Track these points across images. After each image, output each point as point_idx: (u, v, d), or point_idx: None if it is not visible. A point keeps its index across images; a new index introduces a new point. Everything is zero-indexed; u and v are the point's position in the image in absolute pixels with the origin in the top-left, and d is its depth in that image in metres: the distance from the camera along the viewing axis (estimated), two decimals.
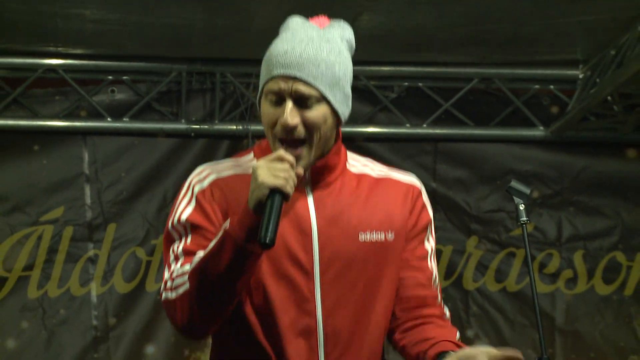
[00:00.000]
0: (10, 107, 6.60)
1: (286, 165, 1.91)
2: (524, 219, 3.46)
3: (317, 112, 2.07)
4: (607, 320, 6.63)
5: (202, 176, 2.20)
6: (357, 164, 2.37)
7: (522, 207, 3.47)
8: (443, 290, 3.03)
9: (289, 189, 1.87)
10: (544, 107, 6.81)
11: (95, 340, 6.74)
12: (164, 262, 2.29)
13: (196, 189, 2.17)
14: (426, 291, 2.34)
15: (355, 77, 3.81)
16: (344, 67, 2.18)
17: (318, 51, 2.12)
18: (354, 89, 2.41)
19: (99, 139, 6.80)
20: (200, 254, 2.02)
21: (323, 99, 2.06)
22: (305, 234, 2.21)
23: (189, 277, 1.99)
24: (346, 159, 2.32)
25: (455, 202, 6.62)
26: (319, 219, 2.22)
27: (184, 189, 2.22)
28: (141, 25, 5.93)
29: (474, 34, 5.95)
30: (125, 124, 6.66)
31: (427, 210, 2.33)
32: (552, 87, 6.63)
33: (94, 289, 6.68)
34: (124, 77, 6.62)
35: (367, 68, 6.35)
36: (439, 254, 5.57)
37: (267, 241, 1.77)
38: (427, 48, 6.21)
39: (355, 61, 2.28)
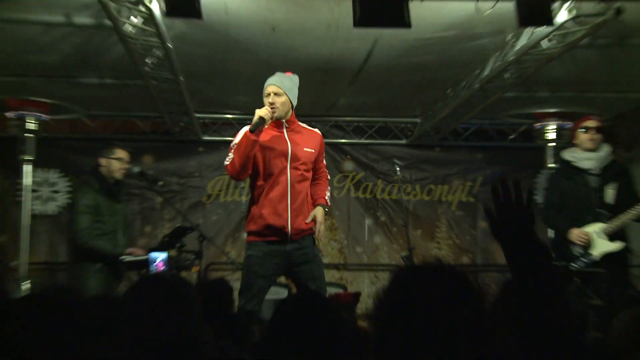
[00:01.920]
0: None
1: (265, 110, 5.70)
2: (399, 172, 8.59)
3: (281, 98, 5.84)
4: None
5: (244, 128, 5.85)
6: (303, 124, 6.23)
7: (397, 167, 8.41)
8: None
9: (266, 118, 5.67)
10: (405, 130, 10.79)
11: None
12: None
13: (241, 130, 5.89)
14: (322, 169, 6.30)
15: None
16: (293, 86, 5.97)
17: (283, 78, 5.97)
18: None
19: None
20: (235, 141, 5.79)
21: (284, 93, 5.86)
22: (284, 146, 5.89)
23: (232, 153, 5.75)
24: (297, 121, 6.12)
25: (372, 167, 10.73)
26: (290, 141, 5.94)
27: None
28: None
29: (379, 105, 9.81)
30: None
31: (323, 144, 6.31)
32: (409, 124, 10.66)
33: None
34: None
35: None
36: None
37: (250, 130, 5.57)
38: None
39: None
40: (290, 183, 5.84)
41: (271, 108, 5.71)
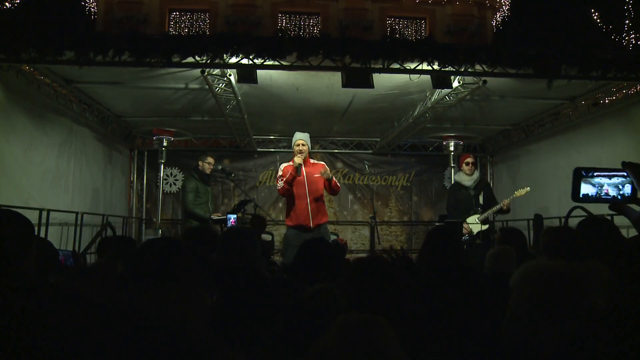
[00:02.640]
0: None
1: (299, 159, 5.77)
2: (367, 169, 9.44)
3: (305, 147, 5.87)
4: None
5: (282, 165, 6.06)
6: (312, 160, 6.05)
7: (367, 166, 9.10)
8: None
9: (301, 162, 5.79)
10: (371, 145, 10.36)
11: None
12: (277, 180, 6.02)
13: (281, 167, 6.00)
14: (335, 183, 5.93)
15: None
16: (309, 140, 5.98)
17: (306, 136, 5.98)
18: None
19: None
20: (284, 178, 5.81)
21: (307, 144, 5.92)
22: (302, 178, 5.84)
23: (283, 182, 5.83)
24: (309, 159, 5.99)
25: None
26: (306, 173, 5.88)
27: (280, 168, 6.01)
28: None
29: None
30: None
31: (327, 170, 5.88)
32: (373, 141, 10.24)
33: None
34: None
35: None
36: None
37: (297, 174, 5.77)
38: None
39: None
40: (309, 199, 5.90)
41: (300, 154, 5.84)
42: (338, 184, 6.14)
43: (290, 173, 5.78)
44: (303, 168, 5.91)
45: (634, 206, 1.27)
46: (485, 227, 6.95)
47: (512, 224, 7.91)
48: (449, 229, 4.07)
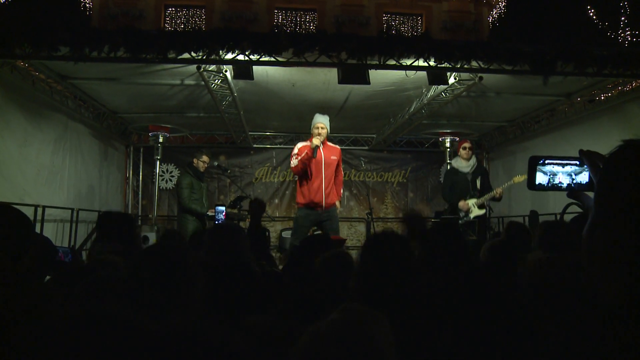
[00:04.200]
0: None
1: (317, 140, 5.88)
2: (363, 165, 9.59)
3: (324, 130, 5.98)
4: None
5: (300, 143, 6.13)
6: (329, 143, 6.22)
7: (363, 162, 9.47)
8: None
9: (319, 144, 5.89)
10: (367, 141, 10.24)
11: None
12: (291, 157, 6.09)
13: (298, 145, 6.11)
14: (340, 172, 6.32)
15: None
16: (328, 122, 6.05)
17: (326, 118, 6.08)
18: None
19: None
20: (299, 157, 5.90)
21: (326, 127, 6.02)
22: (320, 157, 5.98)
23: (298, 161, 5.92)
24: (327, 142, 6.12)
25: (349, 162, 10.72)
26: (323, 154, 6.04)
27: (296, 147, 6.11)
28: None
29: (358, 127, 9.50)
30: None
31: (341, 154, 6.29)
32: (369, 138, 10.11)
33: None
34: None
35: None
36: None
37: (313, 154, 5.85)
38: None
39: None
40: (324, 179, 6.06)
41: (319, 136, 5.97)
42: (342, 185, 6.40)
43: (307, 153, 5.87)
44: (321, 150, 6.05)
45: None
46: (482, 212, 6.98)
47: (507, 220, 7.90)
48: (451, 226, 4.02)
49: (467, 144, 7.26)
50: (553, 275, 1.65)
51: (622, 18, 15.04)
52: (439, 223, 3.66)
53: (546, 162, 1.27)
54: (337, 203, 6.26)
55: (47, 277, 2.58)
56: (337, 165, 6.23)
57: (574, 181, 1.27)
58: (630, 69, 5.49)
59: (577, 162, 1.26)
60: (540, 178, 1.28)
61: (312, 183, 6.02)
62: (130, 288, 1.54)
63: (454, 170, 7.27)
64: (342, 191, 6.80)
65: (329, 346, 1.13)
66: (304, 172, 6.02)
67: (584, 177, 1.27)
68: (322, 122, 6.04)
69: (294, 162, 5.98)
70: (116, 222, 3.24)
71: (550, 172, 1.28)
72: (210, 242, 3.01)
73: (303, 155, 5.90)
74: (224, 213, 6.90)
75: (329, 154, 6.14)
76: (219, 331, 1.01)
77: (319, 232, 6.11)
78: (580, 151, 1.22)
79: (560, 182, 1.28)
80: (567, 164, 1.27)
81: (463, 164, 7.17)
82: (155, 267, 1.57)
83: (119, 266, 2.20)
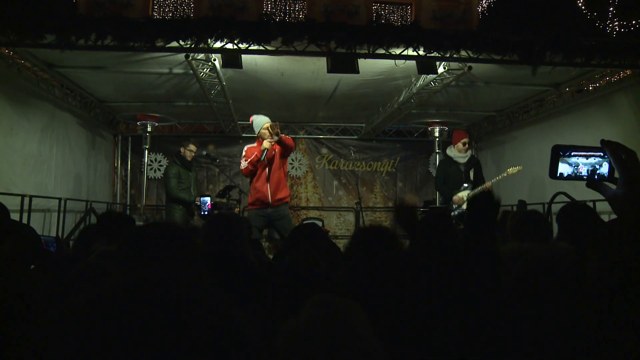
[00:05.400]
0: None
1: (268, 143, 5.55)
2: (353, 154, 9.59)
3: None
4: None
5: (247, 146, 5.87)
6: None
7: (352, 151, 9.49)
8: None
9: (269, 147, 5.55)
10: (356, 130, 10.25)
11: None
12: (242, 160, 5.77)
13: (245, 147, 5.85)
14: (284, 165, 5.94)
15: None
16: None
17: (266, 117, 5.73)
18: None
19: None
20: (248, 159, 5.64)
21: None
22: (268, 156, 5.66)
23: (247, 163, 5.70)
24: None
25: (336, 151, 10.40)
26: (267, 152, 5.63)
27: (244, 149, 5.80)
28: None
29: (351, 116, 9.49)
30: None
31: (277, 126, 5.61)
32: (358, 127, 10.12)
33: None
34: None
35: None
36: None
37: (262, 158, 5.60)
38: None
39: None
40: (268, 175, 5.82)
41: (272, 139, 5.63)
42: (289, 137, 5.96)
43: (256, 155, 5.67)
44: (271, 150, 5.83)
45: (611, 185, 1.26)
46: None
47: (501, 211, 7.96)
48: (442, 215, 4.01)
49: (466, 139, 7.32)
50: (532, 265, 1.65)
51: (611, 9, 15.05)
52: (429, 214, 3.65)
53: (572, 153, 1.28)
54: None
55: (32, 267, 2.56)
56: (282, 155, 5.89)
57: (597, 171, 1.28)
58: (618, 59, 5.53)
59: (601, 153, 1.28)
60: (563, 168, 1.29)
61: (256, 181, 5.85)
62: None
63: (448, 161, 7.31)
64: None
65: (313, 345, 1.08)
66: (253, 174, 5.87)
67: (604, 168, 1.28)
68: (268, 122, 5.77)
69: (243, 164, 5.80)
70: (116, 223, 3.22)
71: (574, 163, 1.29)
72: (209, 230, 3.00)
73: (252, 157, 5.71)
74: (208, 204, 6.87)
75: (271, 148, 5.84)
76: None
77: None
78: (602, 141, 1.23)
79: (580, 173, 1.29)
80: (590, 155, 1.29)
81: (459, 155, 7.24)
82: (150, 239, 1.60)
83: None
